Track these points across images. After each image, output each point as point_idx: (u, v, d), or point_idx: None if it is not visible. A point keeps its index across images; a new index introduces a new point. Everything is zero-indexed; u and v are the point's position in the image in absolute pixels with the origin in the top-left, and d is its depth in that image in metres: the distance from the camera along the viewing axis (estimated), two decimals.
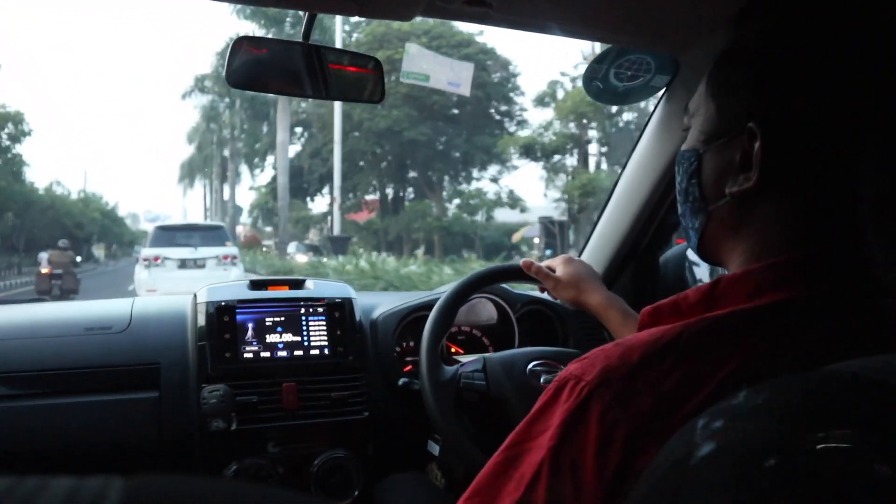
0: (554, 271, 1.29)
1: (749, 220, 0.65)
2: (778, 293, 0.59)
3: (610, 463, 0.55)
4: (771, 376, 0.47)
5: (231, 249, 13.37)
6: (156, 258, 12.40)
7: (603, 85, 1.39)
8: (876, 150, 0.55)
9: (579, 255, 1.72)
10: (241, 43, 1.26)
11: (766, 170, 0.61)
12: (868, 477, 0.37)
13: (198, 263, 12.68)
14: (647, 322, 0.68)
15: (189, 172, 41.03)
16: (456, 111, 27.73)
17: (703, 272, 1.64)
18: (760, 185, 0.62)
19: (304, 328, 1.51)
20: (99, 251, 45.64)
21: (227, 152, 36.49)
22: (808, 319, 0.58)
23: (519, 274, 1.34)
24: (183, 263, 12.56)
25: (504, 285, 1.65)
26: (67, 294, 12.61)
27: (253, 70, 1.29)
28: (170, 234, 13.19)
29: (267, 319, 1.49)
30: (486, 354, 1.32)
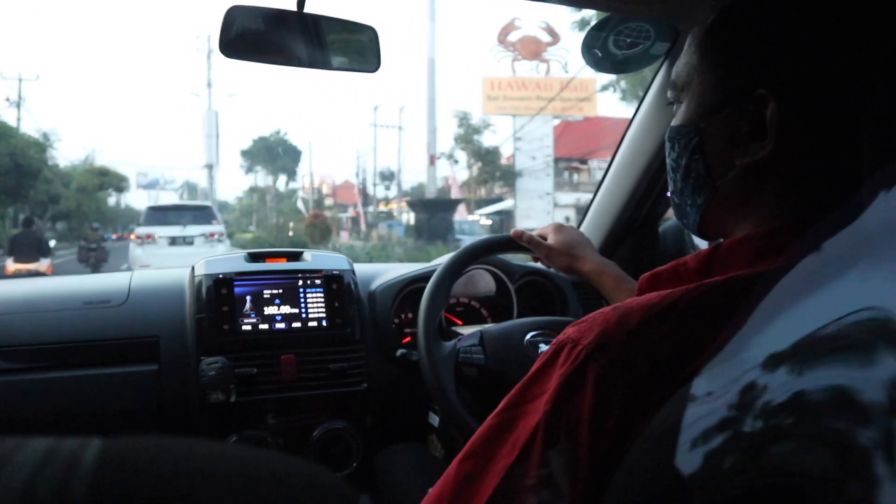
0: (546, 239, 1.27)
1: (758, 189, 0.63)
2: (778, 258, 0.57)
3: (606, 427, 0.55)
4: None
5: (218, 227, 14.56)
6: (148, 236, 13.63)
7: (602, 53, 1.37)
8: (878, 111, 0.54)
9: (578, 226, 1.72)
10: (235, 12, 1.24)
11: (781, 135, 0.60)
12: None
13: (187, 241, 13.82)
14: (645, 288, 0.68)
15: None
16: None
17: (703, 243, 1.64)
18: (774, 151, 0.60)
19: (303, 300, 1.51)
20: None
21: None
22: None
23: (511, 244, 1.30)
24: (173, 241, 13.70)
25: (502, 256, 1.64)
26: (100, 262, 14.73)
27: (247, 40, 1.26)
28: (161, 214, 14.49)
29: (265, 292, 1.49)
30: (484, 327, 1.31)
